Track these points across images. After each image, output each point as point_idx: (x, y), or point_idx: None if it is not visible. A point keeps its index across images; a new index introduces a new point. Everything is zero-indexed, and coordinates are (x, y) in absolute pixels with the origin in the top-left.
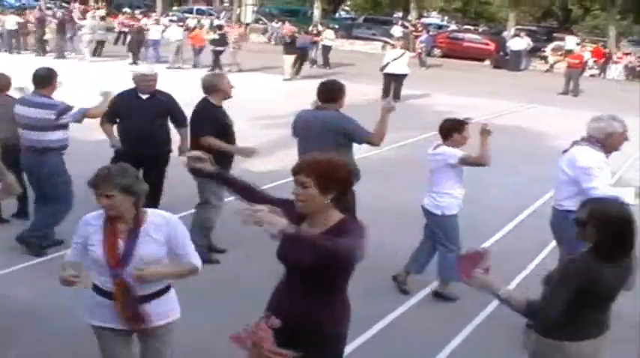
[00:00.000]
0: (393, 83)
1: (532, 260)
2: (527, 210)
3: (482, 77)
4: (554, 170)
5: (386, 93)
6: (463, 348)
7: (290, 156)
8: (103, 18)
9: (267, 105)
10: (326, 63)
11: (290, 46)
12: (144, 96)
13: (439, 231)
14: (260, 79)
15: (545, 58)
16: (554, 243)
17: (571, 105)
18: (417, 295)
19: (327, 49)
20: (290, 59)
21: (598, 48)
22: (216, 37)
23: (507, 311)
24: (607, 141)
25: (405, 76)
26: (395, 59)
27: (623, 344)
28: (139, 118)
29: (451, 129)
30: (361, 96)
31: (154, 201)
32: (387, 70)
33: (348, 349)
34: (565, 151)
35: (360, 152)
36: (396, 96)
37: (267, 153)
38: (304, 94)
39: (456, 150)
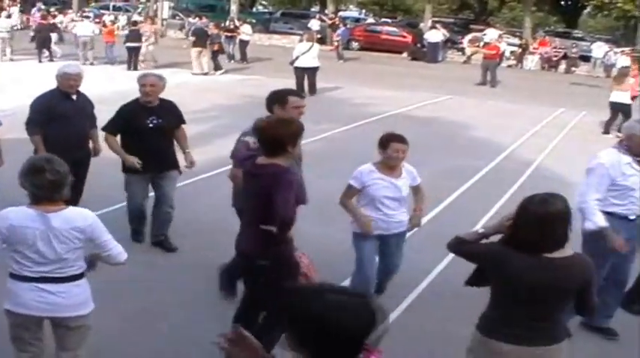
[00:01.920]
0: (306, 77)
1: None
2: (442, 204)
3: (400, 69)
4: (472, 161)
5: (299, 87)
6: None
7: (209, 152)
8: (9, 16)
9: (185, 100)
10: (243, 57)
11: (198, 39)
12: (73, 97)
13: None
14: (178, 75)
15: (462, 50)
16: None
17: (488, 95)
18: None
19: (244, 44)
20: (194, 52)
21: (544, 40)
22: (126, 33)
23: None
24: (630, 143)
25: (316, 68)
26: (304, 53)
27: None
28: (75, 119)
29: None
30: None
31: (74, 200)
32: (297, 64)
33: None
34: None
35: None
36: (312, 90)
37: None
38: (222, 89)
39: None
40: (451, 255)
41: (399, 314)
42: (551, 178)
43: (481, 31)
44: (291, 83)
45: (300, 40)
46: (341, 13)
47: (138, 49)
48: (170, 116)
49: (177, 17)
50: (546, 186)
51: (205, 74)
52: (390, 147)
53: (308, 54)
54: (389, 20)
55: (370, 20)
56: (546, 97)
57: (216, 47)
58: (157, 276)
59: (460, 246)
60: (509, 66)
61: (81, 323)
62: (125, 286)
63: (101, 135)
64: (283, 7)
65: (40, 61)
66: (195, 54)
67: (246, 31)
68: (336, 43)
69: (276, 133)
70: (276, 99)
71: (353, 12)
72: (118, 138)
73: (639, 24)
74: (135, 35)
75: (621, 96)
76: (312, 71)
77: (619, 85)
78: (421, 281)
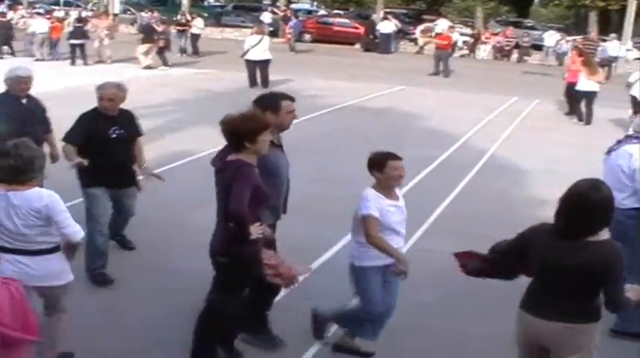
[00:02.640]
0: (258, 70)
1: (408, 239)
2: (400, 191)
3: (353, 61)
4: (426, 150)
5: (251, 79)
6: None
7: (164, 146)
8: None
9: (138, 95)
10: (195, 51)
11: (146, 36)
12: (23, 100)
13: None
14: (130, 70)
15: (414, 40)
16: (426, 224)
17: (442, 85)
18: None
19: (196, 38)
20: (143, 48)
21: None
22: (71, 29)
23: None
24: None
25: (267, 61)
26: (253, 46)
27: None
28: (28, 124)
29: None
30: (232, 83)
31: None
32: (248, 57)
33: None
34: (611, 151)
35: (225, 141)
36: (264, 83)
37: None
38: (175, 83)
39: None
40: (409, 243)
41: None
42: (505, 166)
43: (433, 21)
44: (244, 76)
45: (251, 33)
46: (293, 6)
47: (82, 45)
48: (131, 126)
49: (129, 12)
50: (500, 175)
51: (152, 68)
52: (388, 166)
53: (258, 47)
54: (341, 12)
55: (322, 12)
56: (499, 86)
57: (162, 44)
58: (114, 274)
59: (498, 253)
60: (462, 56)
61: (55, 292)
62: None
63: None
64: (235, 0)
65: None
66: (143, 50)
67: (197, 25)
68: (288, 36)
69: (233, 129)
70: (269, 106)
71: (305, 4)
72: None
73: (590, 13)
74: (79, 32)
75: (593, 84)
76: (263, 64)
77: (592, 74)
78: None
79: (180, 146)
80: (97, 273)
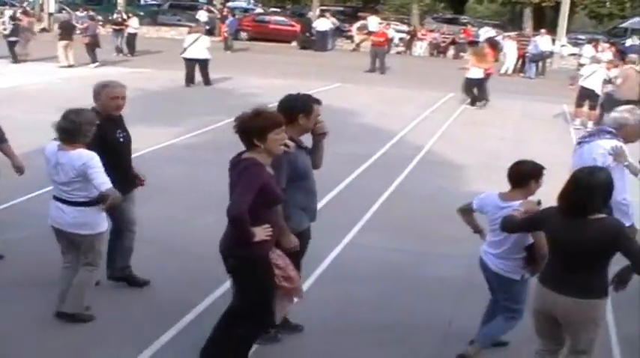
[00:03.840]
0: (198, 68)
1: (346, 235)
2: (334, 190)
3: (290, 58)
4: (363, 147)
5: (188, 78)
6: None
7: None
8: None
9: (74, 94)
10: (131, 51)
11: (64, 32)
12: None
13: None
14: (65, 69)
15: (351, 38)
16: (363, 221)
17: (378, 82)
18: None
19: (132, 37)
20: (61, 45)
21: (467, 29)
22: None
23: None
24: (623, 133)
25: (205, 60)
26: (191, 44)
27: None
28: None
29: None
30: (168, 82)
31: None
32: (186, 55)
33: None
34: (582, 143)
35: (166, 139)
36: (206, 82)
37: None
38: None
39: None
40: (346, 239)
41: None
42: (442, 162)
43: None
44: (180, 75)
45: (188, 32)
46: (229, 4)
47: (15, 43)
48: (127, 129)
49: (64, 11)
50: (437, 170)
51: (71, 66)
52: (538, 183)
53: (195, 45)
54: (277, 10)
55: (259, 10)
56: (436, 83)
57: (86, 40)
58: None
59: (514, 224)
60: (399, 52)
61: (83, 240)
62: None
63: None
64: None
65: None
66: (62, 47)
67: (132, 24)
68: (224, 34)
69: (242, 126)
70: (303, 108)
71: (241, 2)
72: None
73: (525, 9)
74: (15, 29)
75: (479, 72)
76: (201, 63)
77: (480, 62)
78: (318, 265)
79: None
80: (128, 274)
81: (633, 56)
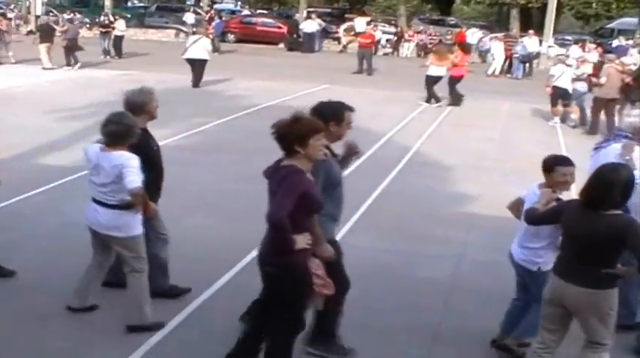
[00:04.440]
0: (196, 68)
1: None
2: None
3: (277, 60)
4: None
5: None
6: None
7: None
8: None
9: (63, 97)
10: (119, 53)
11: (44, 35)
12: None
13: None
14: (54, 72)
15: (338, 39)
16: (351, 222)
17: (365, 83)
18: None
19: (118, 39)
20: (42, 48)
21: (462, 32)
22: None
23: None
24: (637, 136)
25: (203, 60)
26: (190, 44)
27: None
28: None
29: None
30: (155, 84)
31: None
32: (186, 55)
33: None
34: (599, 148)
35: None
36: (195, 82)
37: (64, 147)
38: (100, 85)
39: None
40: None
41: None
42: (429, 163)
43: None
44: (167, 77)
45: (192, 33)
46: (216, 6)
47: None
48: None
49: (51, 14)
50: (424, 171)
51: (53, 69)
52: (556, 172)
53: (195, 46)
54: (264, 11)
55: (246, 12)
56: (423, 84)
57: (64, 44)
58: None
59: (536, 216)
60: (386, 54)
61: (115, 242)
62: None
63: None
64: (158, 1)
65: None
66: (44, 49)
67: (119, 27)
68: (211, 36)
69: (282, 132)
70: (334, 116)
71: (228, 4)
72: None
73: (512, 10)
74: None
75: (440, 70)
76: (199, 63)
77: (439, 60)
78: None
79: None
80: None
81: (611, 55)
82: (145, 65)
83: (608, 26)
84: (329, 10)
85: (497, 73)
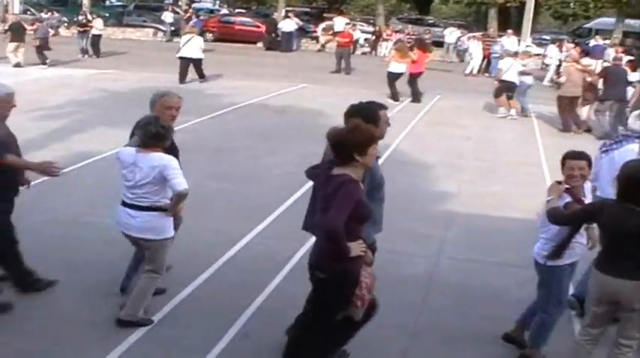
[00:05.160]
0: (194, 67)
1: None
2: (301, 190)
3: (255, 59)
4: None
5: (182, 75)
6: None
7: (67, 148)
8: None
9: (40, 96)
10: (96, 52)
11: (14, 34)
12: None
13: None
14: (30, 70)
15: (316, 39)
16: None
17: (343, 83)
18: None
19: (96, 38)
20: (11, 47)
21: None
22: None
23: None
24: None
25: (198, 59)
26: (184, 44)
27: None
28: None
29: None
30: (133, 83)
31: None
32: (180, 54)
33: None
34: (608, 150)
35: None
36: (200, 78)
37: (42, 146)
38: (77, 84)
39: None
40: (312, 240)
41: (265, 299)
42: (407, 161)
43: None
44: (145, 76)
45: (184, 33)
46: (195, 5)
47: None
48: None
49: (29, 12)
50: (403, 169)
51: (18, 65)
52: (566, 166)
53: (188, 45)
54: (243, 11)
55: (224, 11)
56: (401, 82)
57: (37, 43)
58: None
59: (564, 217)
60: (364, 53)
61: (149, 245)
62: None
63: None
64: (137, 0)
65: None
66: (12, 48)
67: (97, 26)
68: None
69: (342, 140)
70: (371, 118)
71: (207, 3)
72: None
73: (490, 10)
74: None
75: (400, 67)
76: (195, 61)
77: (401, 58)
78: (286, 263)
79: (83, 146)
80: None
81: (574, 53)
82: (123, 64)
83: (586, 26)
84: (307, 10)
85: (475, 72)
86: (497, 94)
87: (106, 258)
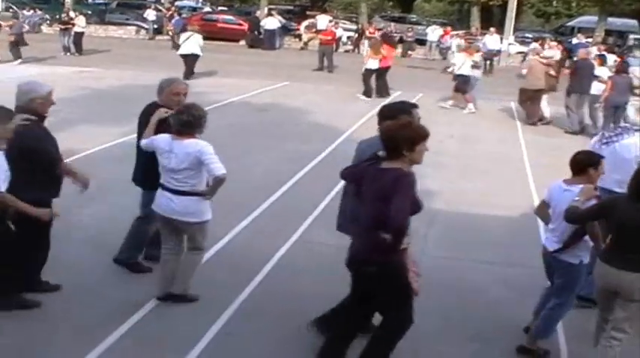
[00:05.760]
0: (188, 62)
1: (294, 232)
2: (283, 187)
3: (238, 57)
4: (311, 145)
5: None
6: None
7: None
8: None
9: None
10: (79, 50)
11: None
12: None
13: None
14: (18, 68)
15: (299, 36)
16: (311, 218)
17: (326, 81)
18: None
19: (79, 36)
20: None
21: (447, 30)
22: None
23: None
24: None
25: (195, 55)
26: (184, 41)
27: None
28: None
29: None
30: (116, 81)
31: None
32: (181, 51)
33: None
34: (609, 142)
35: (115, 138)
36: (186, 75)
37: None
38: (60, 82)
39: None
40: (295, 236)
41: (246, 297)
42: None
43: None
44: (128, 74)
45: (137, 32)
46: (177, 3)
47: None
48: None
49: (11, 10)
50: None
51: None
52: (599, 169)
53: (188, 42)
54: (225, 8)
55: (207, 9)
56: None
57: (12, 39)
58: None
59: (579, 215)
60: (347, 51)
61: (189, 228)
62: None
63: None
64: None
65: None
66: None
67: (79, 23)
68: (171, 33)
69: (394, 135)
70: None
71: (190, 1)
72: None
73: (472, 8)
74: None
75: (375, 63)
76: (191, 57)
77: (375, 54)
78: (266, 263)
79: (66, 144)
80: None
81: (536, 46)
82: (105, 62)
83: (569, 24)
84: (290, 7)
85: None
86: (457, 89)
87: (85, 257)
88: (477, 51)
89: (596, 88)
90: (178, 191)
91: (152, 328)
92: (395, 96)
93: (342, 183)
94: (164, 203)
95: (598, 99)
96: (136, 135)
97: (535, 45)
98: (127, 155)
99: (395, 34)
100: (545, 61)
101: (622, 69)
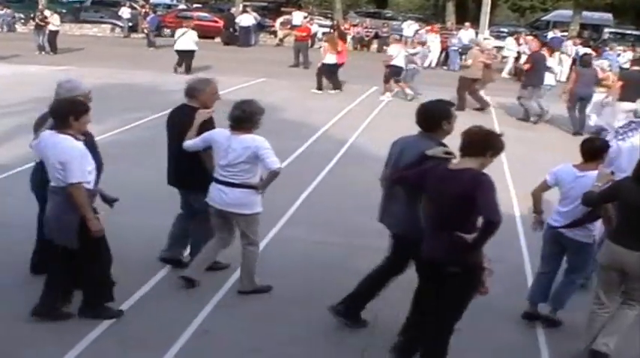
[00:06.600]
0: (184, 58)
1: (270, 230)
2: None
3: (213, 54)
4: (287, 141)
5: (187, 67)
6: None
7: (24, 146)
8: None
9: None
10: (53, 49)
11: None
12: None
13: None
14: None
15: (274, 33)
16: (287, 215)
17: (302, 77)
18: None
19: (53, 35)
20: None
21: (433, 27)
22: None
23: None
24: None
25: (191, 51)
26: (179, 37)
27: None
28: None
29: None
30: (93, 79)
31: None
32: (176, 47)
33: None
34: (624, 135)
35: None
36: (187, 71)
37: (1, 144)
38: (35, 81)
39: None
40: (271, 234)
41: (224, 294)
42: (365, 155)
43: (291, 13)
44: (103, 72)
45: (112, 30)
46: (152, 0)
47: None
48: None
49: None
50: (361, 164)
51: None
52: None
53: (183, 38)
54: (200, 5)
55: (182, 6)
56: (359, 76)
57: None
58: None
59: (595, 199)
60: (322, 47)
61: (241, 219)
62: None
63: None
64: None
65: None
66: None
67: (54, 22)
68: (146, 31)
69: (488, 138)
70: (445, 115)
71: None
72: None
73: (447, 3)
74: None
75: (333, 58)
76: (188, 53)
77: (333, 49)
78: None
79: None
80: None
81: (480, 38)
82: (80, 60)
83: (544, 18)
84: (265, 4)
85: (433, 65)
86: (387, 80)
87: None
88: (419, 44)
89: (548, 79)
90: (231, 183)
91: (130, 326)
92: (371, 90)
93: (319, 179)
94: (217, 195)
95: (547, 90)
96: (114, 132)
97: (510, 39)
98: (105, 153)
99: (371, 30)
100: (484, 52)
101: (588, 61)
